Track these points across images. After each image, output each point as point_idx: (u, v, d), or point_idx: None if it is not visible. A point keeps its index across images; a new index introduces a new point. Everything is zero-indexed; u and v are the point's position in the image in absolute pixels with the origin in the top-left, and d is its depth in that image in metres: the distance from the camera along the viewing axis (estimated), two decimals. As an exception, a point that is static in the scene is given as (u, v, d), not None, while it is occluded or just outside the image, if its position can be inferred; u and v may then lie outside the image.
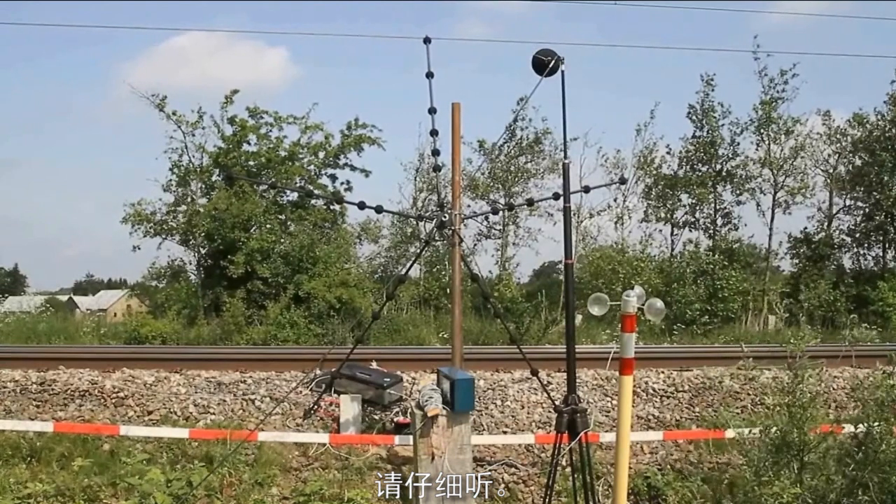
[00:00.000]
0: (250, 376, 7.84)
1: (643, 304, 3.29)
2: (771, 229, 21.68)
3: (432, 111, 5.62)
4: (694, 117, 21.41)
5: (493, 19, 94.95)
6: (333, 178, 21.95)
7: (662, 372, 8.38)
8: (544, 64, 3.83)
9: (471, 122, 30.52)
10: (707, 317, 18.88)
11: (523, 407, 7.31)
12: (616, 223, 22.23)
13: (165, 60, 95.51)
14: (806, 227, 22.72)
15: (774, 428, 4.71)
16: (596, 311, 3.45)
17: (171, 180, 20.56)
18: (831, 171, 22.62)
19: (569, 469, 4.63)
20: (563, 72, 3.83)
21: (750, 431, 5.34)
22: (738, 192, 21.61)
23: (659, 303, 3.29)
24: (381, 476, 6.20)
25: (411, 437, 5.37)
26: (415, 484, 4.74)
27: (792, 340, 4.76)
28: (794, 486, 4.48)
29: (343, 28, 68.94)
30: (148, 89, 20.92)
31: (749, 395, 7.79)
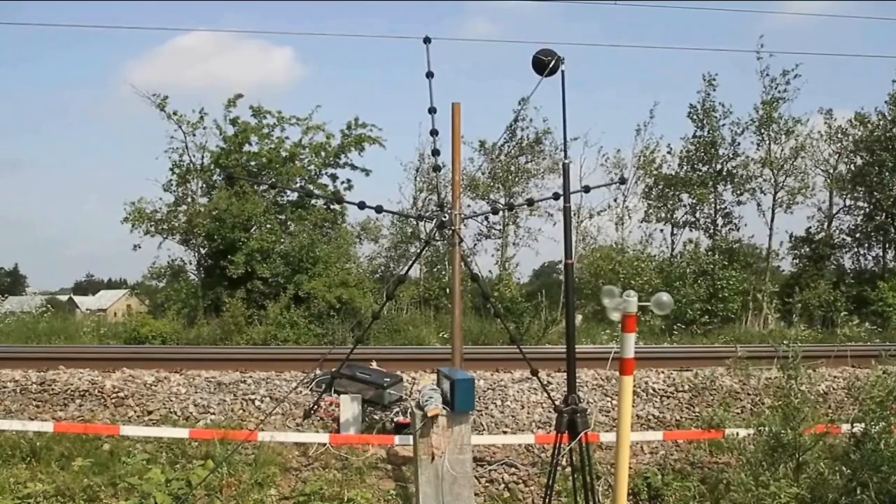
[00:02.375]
0: (250, 376, 7.85)
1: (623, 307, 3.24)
2: (771, 229, 21.70)
3: (432, 111, 5.62)
4: (695, 117, 21.41)
5: (499, 18, 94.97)
6: (334, 177, 21.98)
7: (662, 372, 8.38)
8: (544, 64, 3.83)
9: (471, 122, 30.58)
10: (707, 317, 18.88)
11: (523, 407, 7.31)
12: (616, 223, 22.27)
13: (171, 60, 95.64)
14: (810, 227, 22.78)
15: (768, 428, 4.72)
16: (615, 317, 3.37)
17: (171, 180, 20.59)
18: (831, 171, 22.64)
19: (569, 469, 4.63)
20: (563, 72, 3.83)
21: (737, 434, 5.34)
22: (738, 192, 21.60)
23: (665, 296, 3.27)
24: (380, 476, 6.22)
25: (411, 437, 5.38)
26: (415, 484, 4.74)
27: (786, 342, 4.77)
28: (792, 486, 4.48)
29: (348, 28, 68.98)
30: (150, 89, 20.84)
31: (749, 395, 7.79)
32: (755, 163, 21.38)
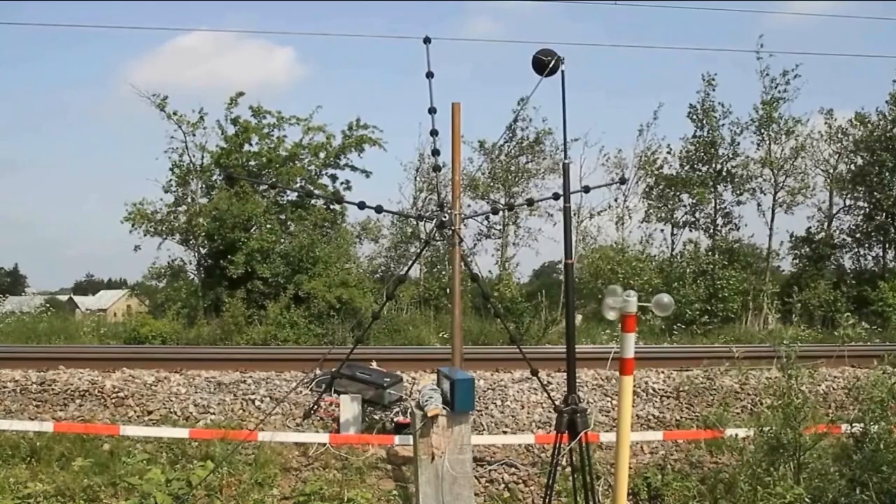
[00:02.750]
0: (250, 376, 7.85)
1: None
2: (771, 229, 21.70)
3: (432, 111, 5.64)
4: (694, 117, 21.41)
5: (500, 18, 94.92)
6: (334, 177, 22.01)
7: (662, 372, 8.38)
8: (544, 64, 3.83)
9: (471, 122, 30.61)
10: (707, 317, 18.88)
11: (523, 407, 7.31)
12: (616, 223, 22.27)
13: (172, 60, 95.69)
14: (810, 227, 22.78)
15: (769, 428, 4.72)
16: (611, 316, 3.37)
17: (171, 180, 20.60)
18: (832, 171, 22.64)
19: (569, 469, 4.63)
20: (563, 72, 3.84)
21: (737, 435, 5.33)
22: (738, 192, 21.60)
23: (666, 297, 3.27)
24: (380, 476, 6.21)
25: (411, 437, 5.38)
26: (415, 484, 4.74)
27: (784, 342, 4.78)
28: (794, 487, 4.48)
29: (348, 28, 69.03)
30: (151, 89, 20.93)
31: (749, 395, 7.78)
32: (755, 163, 21.39)
